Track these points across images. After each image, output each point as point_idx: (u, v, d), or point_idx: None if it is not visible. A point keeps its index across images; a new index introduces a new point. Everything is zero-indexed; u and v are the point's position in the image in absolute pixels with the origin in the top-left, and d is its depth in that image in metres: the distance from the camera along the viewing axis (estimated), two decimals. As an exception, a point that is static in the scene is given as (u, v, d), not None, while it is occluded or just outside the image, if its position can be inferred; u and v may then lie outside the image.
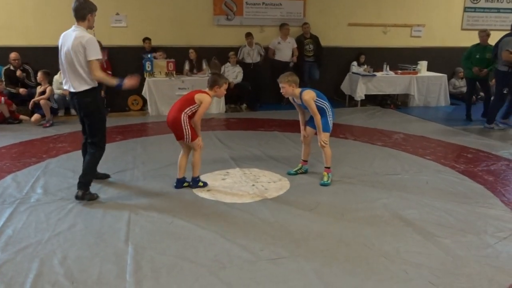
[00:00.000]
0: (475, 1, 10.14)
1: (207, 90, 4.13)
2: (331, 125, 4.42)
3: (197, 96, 4.01)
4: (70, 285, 2.63)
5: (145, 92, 7.77)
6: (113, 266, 2.84)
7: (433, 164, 5.08)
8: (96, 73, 3.66)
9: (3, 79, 7.34)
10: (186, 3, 8.55)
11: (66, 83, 3.85)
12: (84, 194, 3.87)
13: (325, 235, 3.30)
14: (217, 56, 8.31)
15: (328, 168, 4.45)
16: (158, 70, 7.80)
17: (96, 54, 3.64)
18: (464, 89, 9.82)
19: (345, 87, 9.22)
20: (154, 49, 8.24)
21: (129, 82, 3.83)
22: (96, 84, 3.79)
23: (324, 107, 4.38)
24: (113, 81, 3.83)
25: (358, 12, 9.49)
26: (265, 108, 8.52)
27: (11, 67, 7.42)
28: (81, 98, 3.77)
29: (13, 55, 7.35)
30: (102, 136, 3.93)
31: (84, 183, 3.88)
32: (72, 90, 3.78)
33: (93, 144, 3.91)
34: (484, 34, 7.62)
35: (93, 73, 3.65)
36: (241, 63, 8.61)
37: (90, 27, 3.78)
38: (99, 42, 3.97)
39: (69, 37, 3.69)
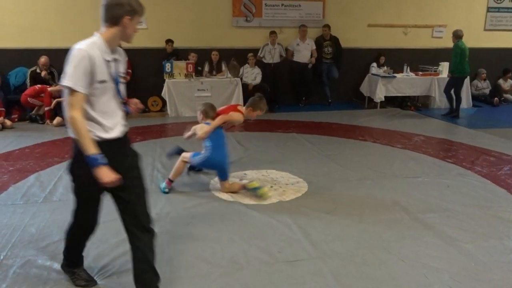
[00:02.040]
0: (498, 1, 9.94)
1: (243, 107, 4.40)
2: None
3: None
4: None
5: (164, 93, 7.86)
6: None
7: (454, 167, 5.00)
8: (70, 112, 2.13)
9: (28, 80, 7.53)
10: (206, 5, 8.61)
11: None
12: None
13: (343, 237, 3.28)
14: (236, 57, 8.34)
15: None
16: (177, 71, 7.87)
17: (68, 78, 2.10)
18: (487, 91, 9.67)
19: (364, 88, 9.15)
20: (175, 51, 8.33)
21: (104, 174, 2.17)
22: (94, 134, 2.21)
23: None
24: (88, 146, 2.14)
25: (378, 12, 9.40)
26: (283, 110, 8.51)
27: (37, 69, 7.59)
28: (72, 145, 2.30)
29: (43, 60, 7.53)
30: (77, 206, 2.50)
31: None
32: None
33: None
34: (452, 34, 7.93)
35: (68, 110, 2.15)
36: (261, 63, 8.63)
37: (124, 39, 2.31)
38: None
39: None
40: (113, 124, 2.28)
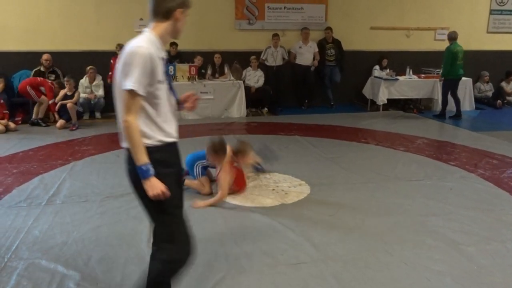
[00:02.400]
0: (501, 4, 9.93)
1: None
2: None
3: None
4: (95, 286, 2.69)
5: (167, 96, 7.88)
6: (136, 268, 2.88)
7: (457, 170, 4.99)
8: (127, 116, 1.94)
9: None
10: (208, 8, 8.64)
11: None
12: None
13: (345, 240, 3.28)
14: (239, 60, 8.37)
15: None
16: (180, 74, 7.90)
17: (133, 81, 1.90)
18: (489, 93, 9.66)
19: (367, 91, 9.16)
20: (179, 54, 8.37)
21: (154, 186, 1.97)
22: (156, 139, 2.03)
23: None
24: (141, 154, 1.96)
25: (380, 15, 9.41)
26: (286, 112, 8.52)
27: (41, 68, 7.64)
28: (126, 160, 2.09)
29: (45, 56, 7.61)
30: (170, 237, 2.13)
31: None
32: (123, 144, 2.10)
33: (157, 249, 2.18)
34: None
35: (123, 114, 1.95)
36: (264, 66, 8.65)
37: (174, 34, 2.13)
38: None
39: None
40: (170, 127, 2.10)
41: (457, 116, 7.98)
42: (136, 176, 2.01)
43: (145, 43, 1.96)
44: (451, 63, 7.77)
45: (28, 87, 7.17)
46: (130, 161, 2.03)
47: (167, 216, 2.11)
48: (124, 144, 2.05)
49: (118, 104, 2.02)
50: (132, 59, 1.92)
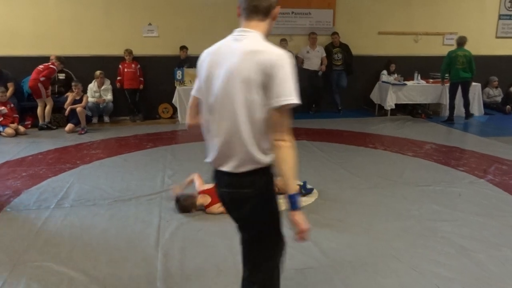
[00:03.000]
0: (510, 9, 9.88)
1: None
2: None
3: None
4: (102, 289, 2.70)
5: (175, 100, 7.92)
6: (143, 271, 2.90)
7: (466, 176, 4.95)
8: (287, 135, 1.74)
9: None
10: (216, 13, 8.67)
11: (212, 148, 1.89)
12: None
13: (353, 246, 3.27)
14: (246, 65, 8.38)
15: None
16: (188, 79, 7.93)
17: (295, 94, 1.70)
18: (499, 99, 9.59)
19: (374, 96, 9.13)
20: (188, 58, 8.39)
21: (303, 220, 1.86)
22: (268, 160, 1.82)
23: None
24: (294, 182, 1.81)
25: (388, 20, 9.39)
26: (293, 117, 8.50)
27: None
28: (240, 185, 1.83)
29: (52, 56, 7.65)
30: (272, 270, 1.98)
31: None
32: (224, 168, 1.83)
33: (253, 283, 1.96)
34: None
35: (283, 134, 1.74)
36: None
37: (268, 33, 1.85)
38: None
39: (229, 53, 1.76)
40: None
41: (465, 117, 8.07)
42: (264, 204, 1.83)
43: (277, 48, 1.71)
44: (451, 67, 7.84)
45: (39, 85, 7.10)
46: (259, 181, 1.79)
47: (279, 245, 1.96)
48: (246, 167, 1.79)
49: (247, 124, 1.72)
50: (281, 70, 1.66)
